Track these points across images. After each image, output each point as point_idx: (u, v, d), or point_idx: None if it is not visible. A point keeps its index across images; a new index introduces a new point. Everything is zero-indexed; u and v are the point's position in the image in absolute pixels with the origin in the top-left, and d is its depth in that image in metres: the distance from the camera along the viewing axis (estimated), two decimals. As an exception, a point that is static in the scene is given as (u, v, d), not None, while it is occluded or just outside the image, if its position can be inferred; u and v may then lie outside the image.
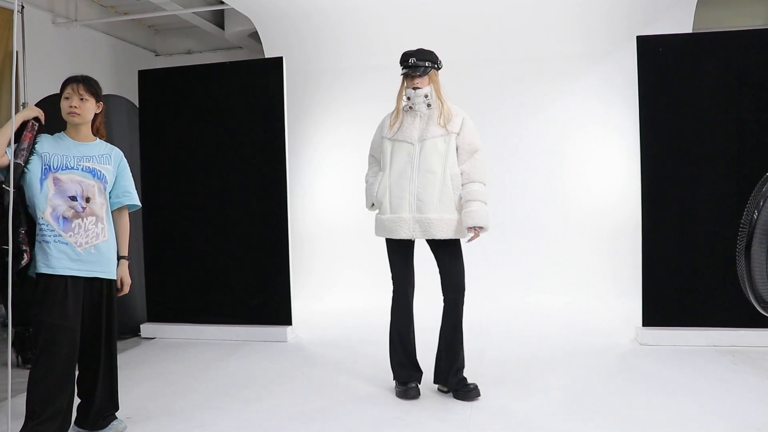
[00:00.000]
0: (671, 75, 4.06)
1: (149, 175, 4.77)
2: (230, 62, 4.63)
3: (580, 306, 5.34)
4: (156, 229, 4.76)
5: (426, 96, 3.12)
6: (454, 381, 3.17)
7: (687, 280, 4.05)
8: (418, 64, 3.11)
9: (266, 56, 6.68)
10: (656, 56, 4.04)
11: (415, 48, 3.21)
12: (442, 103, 3.15)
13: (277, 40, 6.55)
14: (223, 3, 6.55)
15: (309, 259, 6.17)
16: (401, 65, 3.17)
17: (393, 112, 3.22)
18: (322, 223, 6.33)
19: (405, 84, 3.18)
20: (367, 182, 3.32)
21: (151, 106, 4.80)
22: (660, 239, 4.07)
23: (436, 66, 3.18)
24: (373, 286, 5.68)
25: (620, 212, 5.84)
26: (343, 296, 5.87)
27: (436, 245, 3.15)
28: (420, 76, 3.12)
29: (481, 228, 3.05)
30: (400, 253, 3.21)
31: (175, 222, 4.74)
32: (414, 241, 3.19)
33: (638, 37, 4.06)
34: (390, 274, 3.26)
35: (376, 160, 3.35)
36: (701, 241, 4.03)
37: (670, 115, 4.07)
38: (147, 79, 4.82)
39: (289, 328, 4.55)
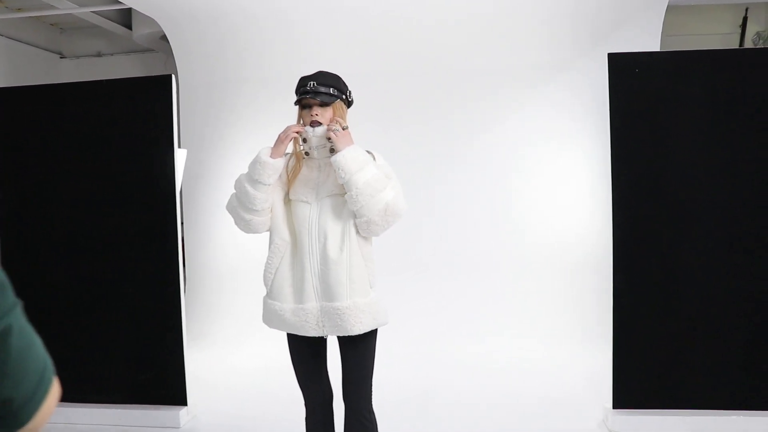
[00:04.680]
0: (649, 100, 3.31)
1: (5, 216, 3.82)
2: (107, 80, 3.70)
3: (537, 358, 4.59)
4: (13, 283, 3.80)
5: (329, 138, 2.26)
6: None
7: (666, 353, 3.32)
8: (319, 89, 2.27)
9: (177, 63, 5.78)
10: (631, 77, 3.28)
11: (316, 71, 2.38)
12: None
13: (189, 45, 5.65)
14: (120, 2, 5.58)
15: (214, 312, 5.29)
16: (296, 92, 2.34)
17: (289, 157, 2.38)
18: (228, 267, 5.44)
19: (300, 118, 2.35)
20: (237, 183, 2.33)
21: (8, 133, 3.84)
22: (634, 304, 3.32)
23: (344, 97, 2.35)
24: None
25: (584, 244, 5.14)
26: (255, 357, 4.84)
27: (345, 340, 2.33)
28: (321, 105, 2.28)
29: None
30: (307, 353, 2.37)
31: (38, 276, 3.79)
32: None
33: (610, 55, 3.29)
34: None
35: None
36: (683, 305, 3.30)
37: (647, 147, 3.32)
38: (3, 99, 3.85)
39: (183, 409, 3.67)
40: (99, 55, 7.41)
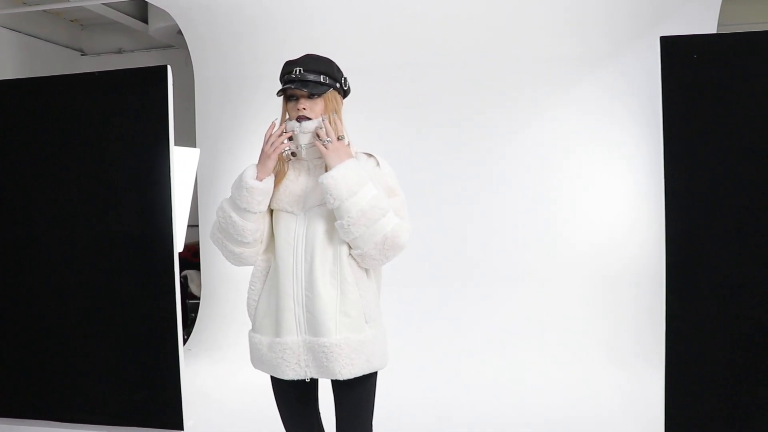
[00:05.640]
0: (709, 91, 2.83)
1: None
2: (100, 72, 3.39)
3: (568, 383, 4.09)
4: None
5: (318, 135, 1.86)
6: None
7: (730, 389, 2.83)
8: (307, 77, 1.87)
9: (192, 57, 5.48)
10: (688, 65, 2.81)
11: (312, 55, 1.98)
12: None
13: (204, 39, 5.35)
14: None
15: (228, 323, 4.96)
16: (281, 80, 1.94)
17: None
18: (246, 276, 5.07)
19: (285, 112, 1.95)
20: (221, 212, 1.93)
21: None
22: (690, 330, 2.84)
23: (338, 85, 1.95)
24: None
25: (622, 253, 4.65)
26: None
27: (338, 382, 1.93)
28: (310, 96, 1.88)
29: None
30: (292, 397, 1.98)
31: (21, 285, 3.51)
32: None
33: (662, 39, 2.82)
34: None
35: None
36: (752, 334, 2.81)
37: (707, 147, 2.83)
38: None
39: (178, 434, 3.35)
40: (120, 51, 7.19)
